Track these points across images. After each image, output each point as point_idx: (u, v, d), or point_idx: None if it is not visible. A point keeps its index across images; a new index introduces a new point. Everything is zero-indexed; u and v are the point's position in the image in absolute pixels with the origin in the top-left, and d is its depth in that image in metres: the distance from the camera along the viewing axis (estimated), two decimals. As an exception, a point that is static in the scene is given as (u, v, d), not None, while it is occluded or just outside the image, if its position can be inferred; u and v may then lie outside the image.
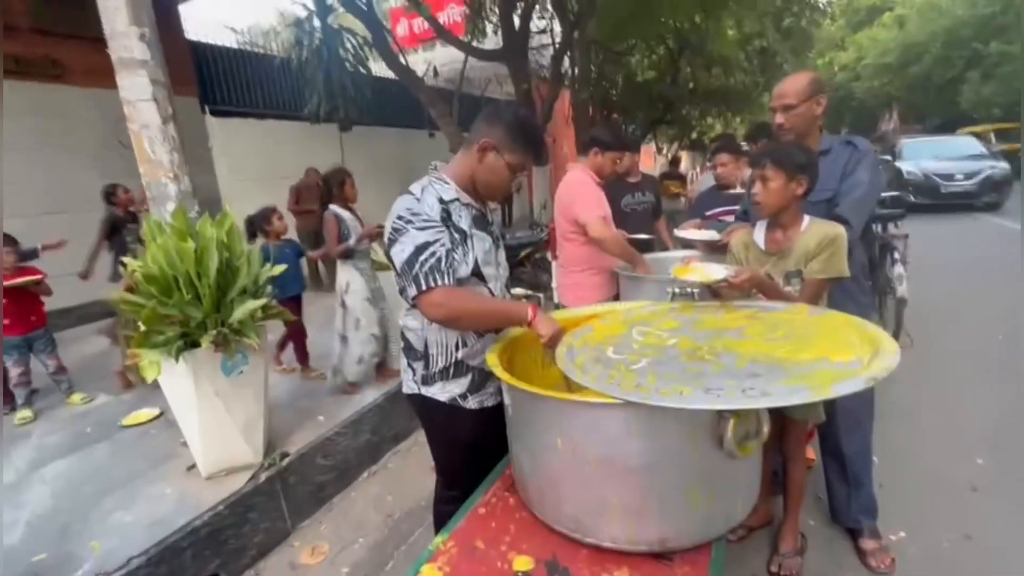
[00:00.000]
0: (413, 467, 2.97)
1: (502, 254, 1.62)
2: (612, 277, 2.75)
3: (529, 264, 6.48)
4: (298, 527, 2.47)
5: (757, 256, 1.74)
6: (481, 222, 1.48)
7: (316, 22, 5.16)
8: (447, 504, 1.61)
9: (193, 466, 2.40)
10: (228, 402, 2.23)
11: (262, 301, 2.19)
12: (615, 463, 1.11)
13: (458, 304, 1.33)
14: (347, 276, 3.23)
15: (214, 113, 6.45)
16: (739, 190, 2.92)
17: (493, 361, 1.33)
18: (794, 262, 1.66)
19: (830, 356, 1.08)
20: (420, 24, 13.66)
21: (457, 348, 1.49)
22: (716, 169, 3.09)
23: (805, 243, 1.63)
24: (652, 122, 15.12)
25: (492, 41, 10.16)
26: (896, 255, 3.86)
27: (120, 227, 3.99)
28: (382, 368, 3.46)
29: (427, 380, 1.53)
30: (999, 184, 9.83)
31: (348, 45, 5.30)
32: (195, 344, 2.08)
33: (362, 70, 5.46)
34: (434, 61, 11.38)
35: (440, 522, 1.70)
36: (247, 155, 6.92)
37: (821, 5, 14.88)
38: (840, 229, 1.61)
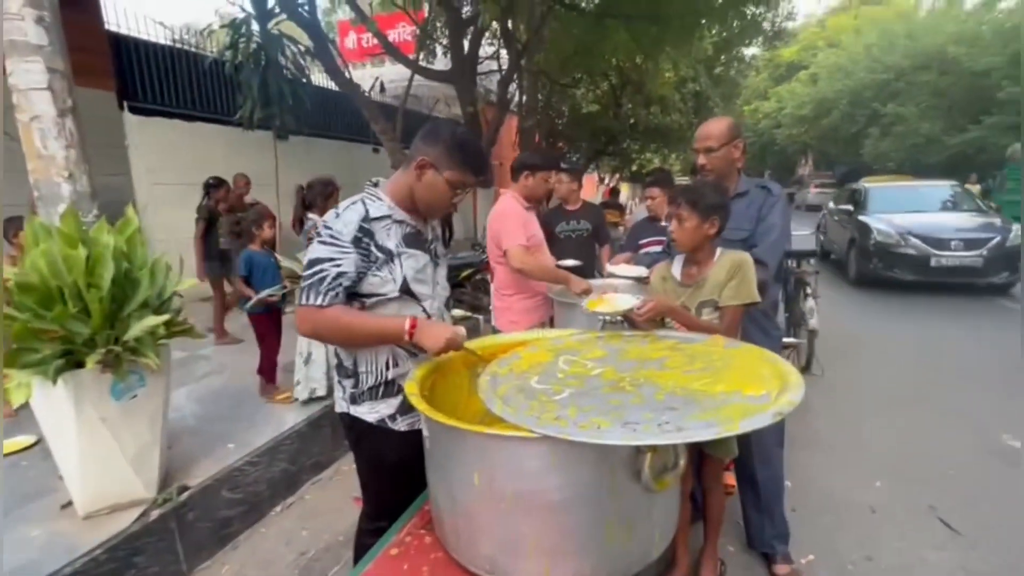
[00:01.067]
0: (334, 498, 2.78)
1: (441, 272, 1.59)
2: (545, 301, 2.77)
3: (469, 285, 6.43)
4: (195, 570, 2.22)
5: (674, 288, 1.80)
6: (415, 239, 1.45)
7: (255, 26, 4.95)
8: (371, 536, 1.50)
9: (69, 503, 2.10)
10: (116, 430, 1.98)
11: (165, 317, 1.98)
12: (533, 499, 1.07)
13: (321, 323, 1.33)
14: None
15: (134, 110, 5.98)
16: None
17: (412, 389, 1.26)
18: (707, 292, 1.73)
19: (742, 389, 1.11)
20: (369, 39, 13.56)
21: (388, 367, 1.45)
22: (648, 202, 3.21)
23: (716, 274, 1.71)
24: (595, 152, 15.80)
25: (442, 62, 10.24)
26: (808, 290, 4.17)
27: (215, 222, 4.04)
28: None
29: (356, 399, 1.48)
30: (1012, 257, 6.45)
31: (288, 53, 5.10)
32: (79, 364, 1.84)
33: (302, 79, 5.27)
34: (383, 76, 11.29)
35: (360, 557, 1.58)
36: (170, 157, 6.44)
37: (747, 58, 16.37)
38: (746, 255, 1.71)
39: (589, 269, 3.57)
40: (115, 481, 2.05)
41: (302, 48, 5.31)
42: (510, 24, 6.15)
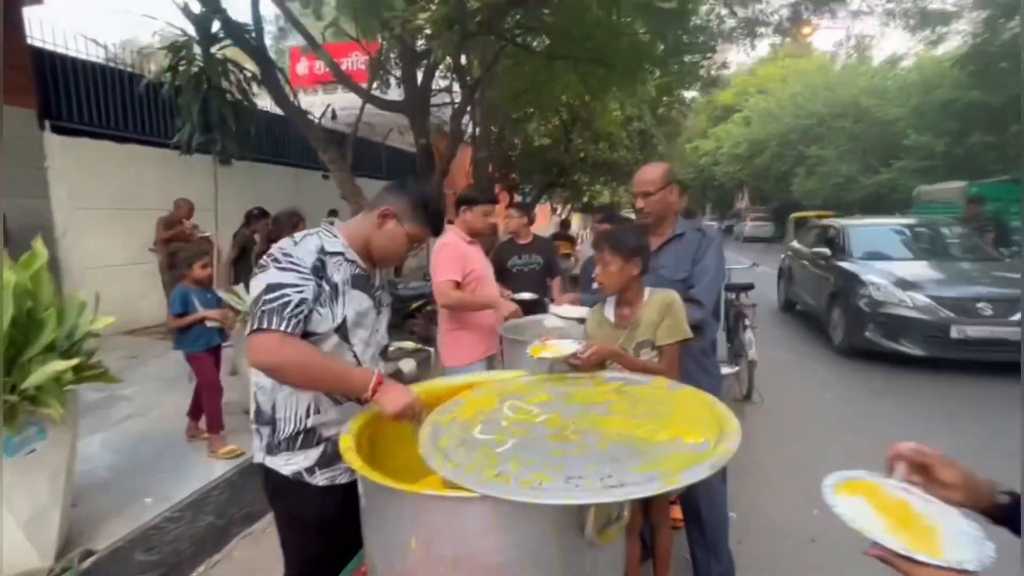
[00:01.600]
0: (267, 554, 2.56)
1: (383, 321, 1.53)
2: (491, 335, 2.74)
3: (421, 316, 6.31)
4: (98, 648, 1.96)
5: (610, 331, 1.82)
6: (362, 281, 1.42)
7: (197, 49, 4.78)
8: None
9: (-56, 579, 1.82)
10: (8, 490, 1.75)
11: (73, 361, 1.80)
12: (474, 561, 1.01)
13: (287, 352, 1.21)
14: None
15: (57, 130, 5.58)
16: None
17: (347, 443, 1.18)
18: (642, 333, 1.77)
19: (684, 437, 1.11)
20: (321, 66, 13.45)
21: (308, 414, 1.37)
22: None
23: (648, 314, 1.76)
24: (547, 184, 16.23)
25: (396, 92, 10.27)
26: (747, 321, 4.37)
27: (249, 250, 3.84)
28: None
29: (272, 449, 1.38)
30: None
31: (232, 78, 4.95)
32: (-35, 417, 1.63)
33: (246, 104, 5.11)
34: (335, 104, 11.18)
35: None
36: (96, 180, 6.03)
37: (687, 100, 17.52)
38: (674, 294, 1.77)
39: (542, 302, 3.60)
40: (3, 551, 1.79)
41: (248, 74, 5.17)
42: (463, 60, 6.28)
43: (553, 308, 2.41)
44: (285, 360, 1.21)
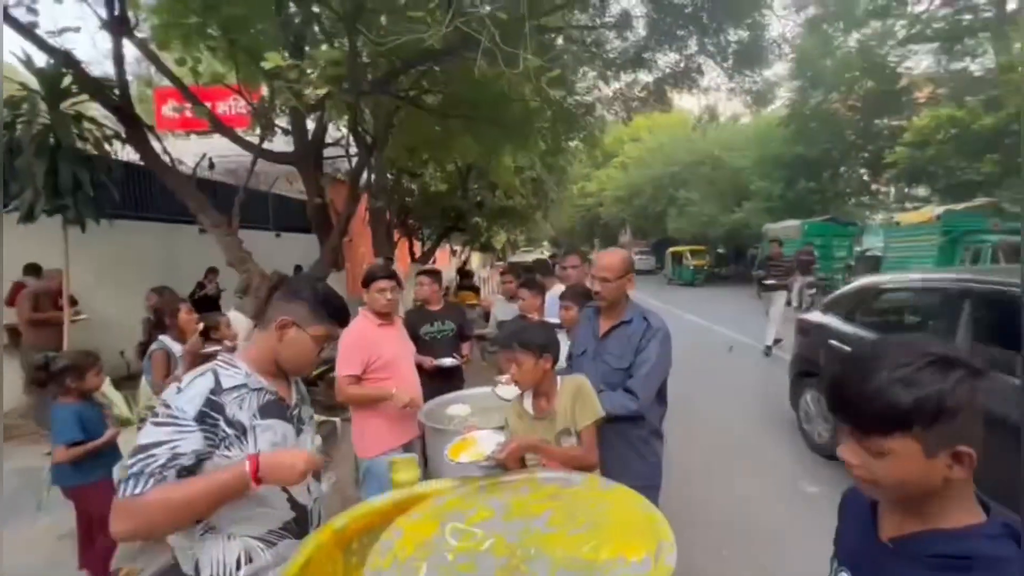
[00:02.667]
0: None
1: (306, 439, 1.43)
2: (405, 420, 2.63)
3: (323, 383, 5.87)
4: None
5: (530, 423, 1.86)
6: (275, 409, 1.34)
7: (42, 105, 4.18)
8: None
9: None
10: None
11: None
12: None
13: (147, 511, 1.10)
14: None
15: None
16: (535, 318, 3.24)
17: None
18: (561, 421, 1.83)
19: (625, 554, 1.16)
20: (189, 110, 12.46)
21: (239, 566, 1.25)
22: (520, 302, 3.40)
23: (563, 403, 1.83)
24: (446, 229, 16.40)
25: (282, 140, 9.81)
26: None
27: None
28: None
29: None
30: None
31: (88, 136, 4.38)
32: None
33: (106, 163, 4.53)
34: (210, 151, 10.34)
35: None
36: None
37: (572, 149, 19.07)
38: (582, 378, 1.86)
39: (458, 370, 3.56)
40: None
41: (109, 132, 4.61)
42: (357, 119, 6.23)
43: (497, 389, 2.36)
44: (145, 521, 1.11)
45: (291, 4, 5.45)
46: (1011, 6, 14.64)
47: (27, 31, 4.19)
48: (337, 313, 1.41)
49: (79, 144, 4.30)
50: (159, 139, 5.18)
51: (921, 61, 16.76)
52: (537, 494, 1.51)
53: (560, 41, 6.68)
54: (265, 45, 5.56)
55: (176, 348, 2.88)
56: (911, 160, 12.61)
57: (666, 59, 6.95)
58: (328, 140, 8.08)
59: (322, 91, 3.37)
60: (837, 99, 17.00)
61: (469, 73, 7.05)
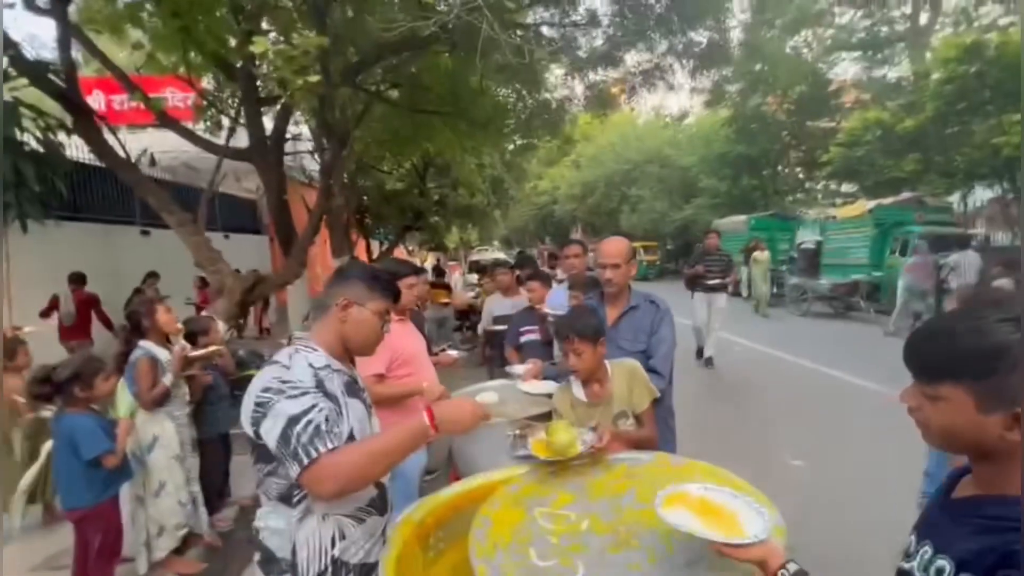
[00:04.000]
0: None
1: (376, 422, 1.45)
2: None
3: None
4: None
5: (585, 411, 1.87)
6: (353, 388, 1.37)
7: None
8: None
9: None
10: None
11: None
12: None
13: (349, 464, 1.14)
14: (155, 428, 2.56)
15: None
16: (546, 310, 3.23)
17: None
18: (618, 405, 1.86)
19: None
20: (125, 101, 11.49)
21: (333, 544, 1.27)
22: (529, 294, 3.39)
23: (618, 387, 1.87)
24: (404, 228, 16.05)
25: (229, 135, 9.22)
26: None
27: None
28: (188, 540, 2.67)
29: None
30: None
31: (32, 128, 3.94)
32: None
33: (53, 157, 4.09)
34: (150, 146, 9.58)
35: None
36: None
37: (539, 144, 19.22)
38: (633, 362, 1.92)
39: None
40: None
41: (53, 121, 4.17)
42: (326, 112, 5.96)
43: (521, 384, 2.33)
44: (349, 477, 1.14)
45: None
46: (922, 20, 16.20)
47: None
48: (390, 287, 1.44)
49: (18, 135, 3.86)
50: (113, 131, 4.73)
51: (848, 68, 18.21)
52: (612, 474, 1.52)
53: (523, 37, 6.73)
54: (216, 32, 5.17)
55: (161, 354, 2.64)
56: (843, 159, 13.65)
57: (633, 58, 7.14)
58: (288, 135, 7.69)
59: (314, 79, 3.20)
60: (773, 101, 18.14)
61: (439, 68, 6.95)
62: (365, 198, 14.34)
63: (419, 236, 19.17)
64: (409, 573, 1.27)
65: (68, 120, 4.27)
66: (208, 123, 8.46)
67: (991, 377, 0.71)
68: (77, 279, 6.38)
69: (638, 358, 2.02)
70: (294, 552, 1.24)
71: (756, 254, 12.16)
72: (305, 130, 10.49)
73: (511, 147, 9.67)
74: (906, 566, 0.81)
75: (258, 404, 1.18)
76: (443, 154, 11.61)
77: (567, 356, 1.81)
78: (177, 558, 2.60)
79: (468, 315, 9.57)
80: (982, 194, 13.37)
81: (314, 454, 1.11)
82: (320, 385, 1.24)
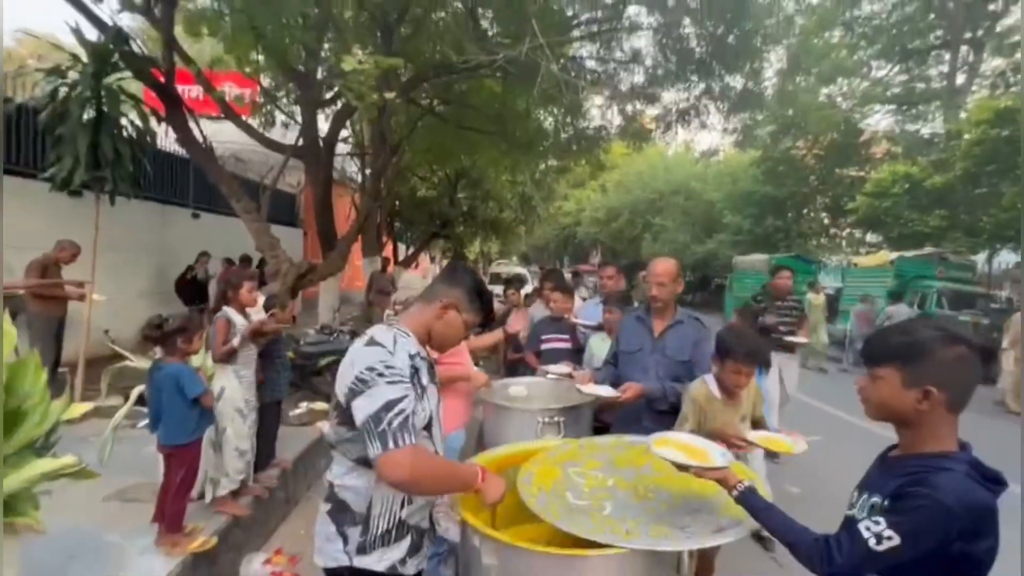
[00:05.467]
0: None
1: (442, 405, 1.58)
2: (469, 399, 2.89)
3: (329, 374, 5.96)
4: None
5: (721, 407, 2.11)
6: (432, 374, 1.48)
7: (76, 74, 4.19)
8: None
9: None
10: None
11: (64, 460, 1.57)
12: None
13: (422, 467, 1.26)
14: (222, 381, 2.92)
15: None
16: (574, 319, 3.53)
17: (478, 521, 1.33)
18: (744, 408, 2.17)
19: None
20: (188, 91, 12.23)
21: (402, 506, 1.41)
22: (550, 303, 3.66)
23: (748, 395, 2.18)
24: (430, 235, 16.58)
25: (279, 131, 9.78)
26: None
27: None
28: (241, 490, 3.01)
29: (363, 548, 1.38)
30: None
31: (131, 115, 4.44)
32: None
33: (146, 141, 4.59)
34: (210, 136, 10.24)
35: None
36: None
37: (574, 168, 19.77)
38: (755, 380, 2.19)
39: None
40: None
41: (149, 110, 4.68)
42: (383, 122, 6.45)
43: (580, 386, 2.44)
44: (421, 475, 1.25)
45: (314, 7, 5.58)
46: (959, 80, 16.38)
47: (80, 5, 4.27)
48: (487, 305, 1.55)
49: (123, 121, 4.36)
50: (197, 122, 5.25)
51: (881, 120, 18.41)
52: (634, 451, 1.83)
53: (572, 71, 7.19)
54: (285, 39, 5.66)
55: (237, 319, 3.02)
56: (869, 208, 13.80)
57: (671, 96, 7.55)
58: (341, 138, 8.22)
59: (390, 95, 3.63)
60: (803, 146, 18.40)
61: (487, 90, 7.43)
62: (397, 203, 14.93)
63: (443, 244, 19.73)
64: (467, 503, 1.58)
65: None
66: (263, 119, 9.08)
67: (912, 362, 1.04)
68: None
69: (682, 368, 2.33)
70: (369, 508, 1.36)
71: (811, 296, 10.63)
72: (346, 134, 11.07)
73: (542, 167, 10.09)
74: (849, 512, 1.13)
75: (359, 379, 1.28)
76: (480, 168, 12.16)
77: (732, 374, 2.04)
78: (231, 500, 2.95)
79: (486, 324, 9.88)
80: (1007, 257, 13.37)
81: (402, 444, 1.22)
82: (415, 374, 1.35)
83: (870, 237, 17.00)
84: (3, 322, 1.33)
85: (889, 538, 0.97)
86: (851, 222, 16.30)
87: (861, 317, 10.47)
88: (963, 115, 13.95)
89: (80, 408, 1.77)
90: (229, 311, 3.01)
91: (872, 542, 0.99)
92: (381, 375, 1.28)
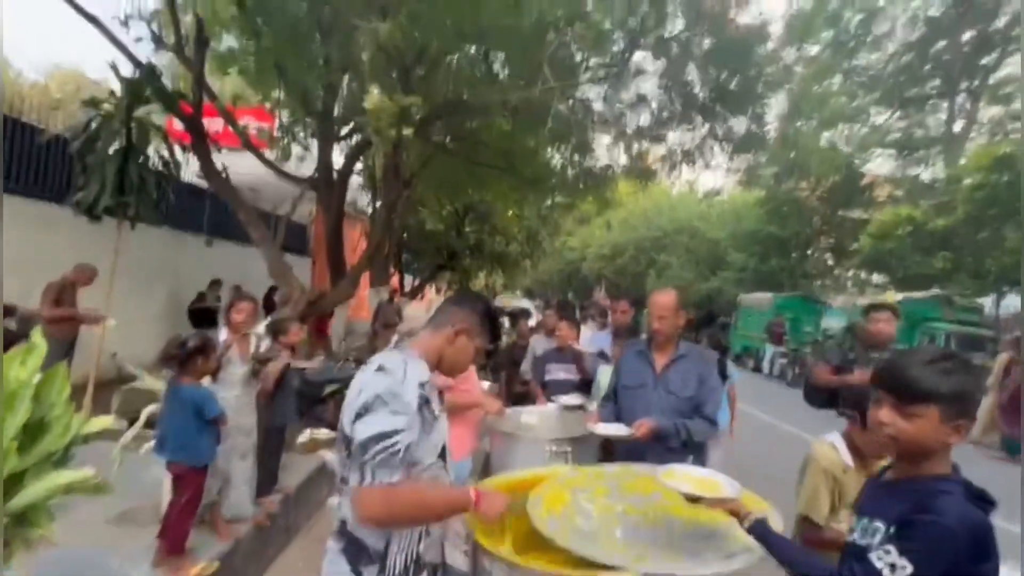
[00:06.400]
0: None
1: (450, 434, 1.53)
2: (477, 427, 2.90)
3: (334, 403, 5.94)
4: None
5: (855, 479, 1.62)
6: (440, 401, 1.46)
7: (110, 106, 4.41)
8: None
9: None
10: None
11: (82, 473, 1.60)
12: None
13: (396, 505, 1.22)
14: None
15: None
16: (580, 347, 3.55)
17: (494, 544, 1.34)
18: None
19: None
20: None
21: (420, 540, 1.35)
22: (558, 333, 3.66)
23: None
24: (437, 267, 16.78)
25: (294, 163, 10.12)
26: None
27: None
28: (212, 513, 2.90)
29: None
30: None
31: (159, 147, 4.65)
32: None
33: (172, 171, 4.78)
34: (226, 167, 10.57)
35: None
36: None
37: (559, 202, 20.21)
38: None
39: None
40: None
41: (177, 143, 4.90)
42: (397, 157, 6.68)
43: (593, 427, 2.37)
44: (393, 513, 1.22)
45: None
46: (957, 127, 16.81)
47: (118, 43, 4.54)
48: (497, 331, 1.56)
49: (150, 152, 4.56)
50: (219, 152, 5.46)
51: (882, 165, 18.80)
52: (642, 479, 1.81)
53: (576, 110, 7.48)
54: (306, 78, 5.95)
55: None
56: (873, 250, 13.91)
57: (676, 137, 7.80)
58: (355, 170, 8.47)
59: (408, 131, 3.80)
60: (807, 187, 18.72)
61: (497, 127, 7.69)
62: (406, 235, 15.19)
63: (449, 276, 19.94)
64: (481, 527, 1.58)
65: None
66: (279, 152, 9.41)
67: (956, 401, 1.05)
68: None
69: (686, 404, 2.23)
70: (387, 545, 1.29)
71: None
72: (359, 167, 11.42)
73: (549, 203, 10.32)
74: (850, 538, 1.13)
75: (364, 406, 1.24)
76: (488, 203, 12.43)
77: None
78: (226, 524, 2.90)
79: (492, 354, 9.90)
80: (1014, 300, 13.35)
81: (376, 479, 1.18)
82: (424, 405, 1.31)
83: (875, 278, 17.03)
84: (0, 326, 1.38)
85: (903, 567, 0.98)
86: (855, 263, 16.37)
87: None
88: (963, 160, 14.23)
89: (101, 422, 1.80)
90: (222, 333, 3.03)
91: (886, 572, 1.00)
92: (385, 404, 1.24)
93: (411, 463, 1.28)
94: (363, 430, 1.21)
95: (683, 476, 1.48)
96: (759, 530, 1.25)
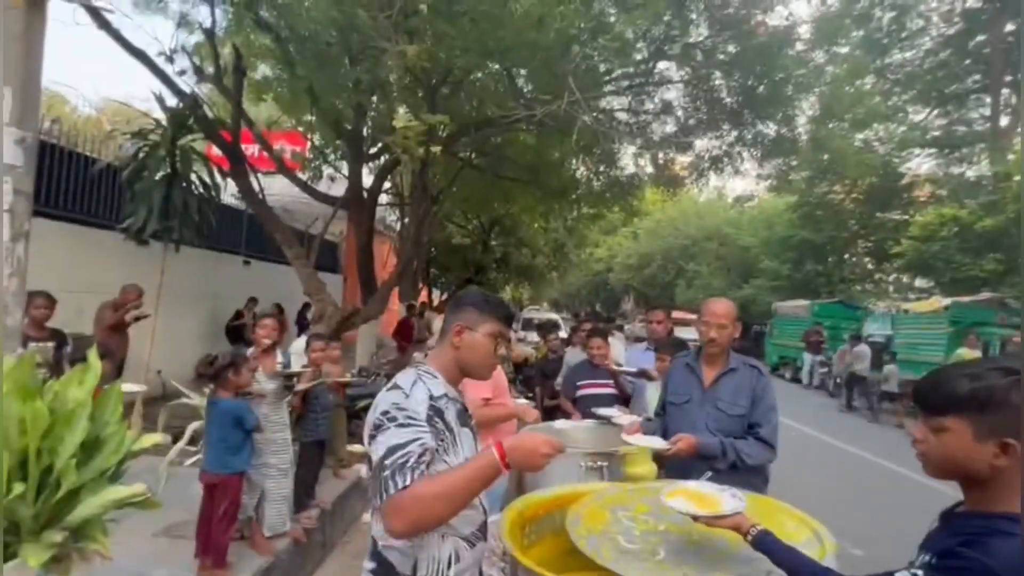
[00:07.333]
0: None
1: (479, 445, 1.48)
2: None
3: (366, 417, 6.02)
4: None
5: None
6: (464, 417, 1.42)
7: (156, 136, 4.68)
8: None
9: None
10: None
11: (136, 488, 1.66)
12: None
13: (418, 501, 1.15)
14: None
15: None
16: (616, 366, 3.49)
17: (530, 559, 1.32)
18: None
19: (793, 538, 1.43)
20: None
21: (450, 565, 1.30)
22: (592, 349, 3.59)
23: None
24: (464, 281, 16.97)
25: (324, 183, 10.44)
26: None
27: None
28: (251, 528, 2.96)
29: None
30: None
31: (200, 173, 4.89)
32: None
33: (212, 195, 5.01)
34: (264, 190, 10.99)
35: None
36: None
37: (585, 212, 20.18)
38: None
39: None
40: None
41: (217, 169, 5.14)
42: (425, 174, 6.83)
43: (626, 436, 2.28)
44: (418, 511, 1.16)
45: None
46: (1003, 122, 16.02)
47: (163, 76, 4.80)
48: (501, 308, 1.46)
49: (193, 177, 4.79)
50: (257, 177, 5.70)
51: (921, 164, 18.05)
52: (682, 496, 1.78)
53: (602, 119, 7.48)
54: (338, 102, 6.14)
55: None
56: (916, 252, 13.31)
57: (703, 144, 7.70)
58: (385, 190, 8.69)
59: (436, 149, 3.88)
60: (841, 190, 18.12)
61: (522, 142, 7.78)
62: (433, 250, 15.45)
63: (476, 290, 20.12)
64: (517, 541, 1.56)
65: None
66: (312, 173, 9.73)
67: (987, 411, 0.89)
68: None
69: (736, 422, 2.06)
70: (414, 569, 1.26)
71: (963, 351, 8.64)
72: (387, 185, 11.72)
73: (575, 214, 10.31)
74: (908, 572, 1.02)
75: (376, 424, 1.23)
76: (514, 216, 12.54)
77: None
78: (265, 540, 2.96)
79: (522, 367, 9.90)
80: (1075, 302, 12.51)
81: (392, 489, 1.14)
82: (436, 417, 1.27)
83: (919, 282, 16.27)
84: None
85: None
86: (897, 267, 15.70)
87: (839, 357, 11.59)
88: (1010, 157, 13.54)
89: (152, 438, 1.88)
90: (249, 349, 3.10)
91: None
92: (393, 419, 1.23)
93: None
94: (377, 449, 1.21)
95: (683, 492, 1.43)
96: (763, 542, 1.18)
